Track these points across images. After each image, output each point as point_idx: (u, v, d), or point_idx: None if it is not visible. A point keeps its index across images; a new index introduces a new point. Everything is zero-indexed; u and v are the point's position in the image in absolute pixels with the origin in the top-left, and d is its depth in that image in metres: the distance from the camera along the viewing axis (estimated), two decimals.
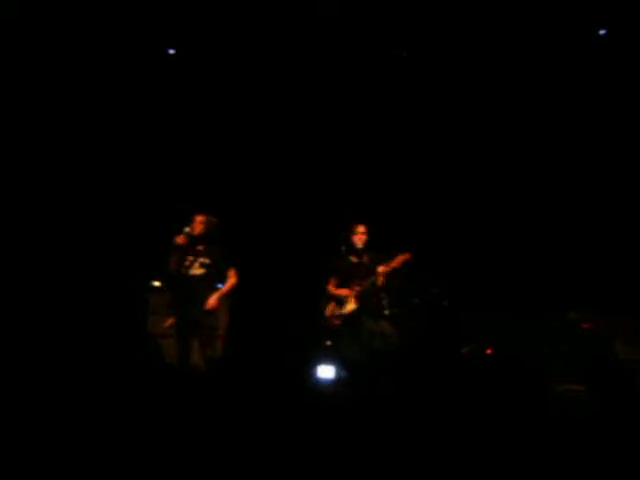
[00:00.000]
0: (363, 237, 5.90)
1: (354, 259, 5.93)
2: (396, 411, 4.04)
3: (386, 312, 5.94)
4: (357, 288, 5.76)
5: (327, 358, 5.61)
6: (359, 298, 5.74)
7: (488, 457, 2.99)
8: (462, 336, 6.29)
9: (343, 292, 5.83)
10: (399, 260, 5.61)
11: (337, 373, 5.51)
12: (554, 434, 3.44)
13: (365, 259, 5.92)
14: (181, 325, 5.53)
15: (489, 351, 6.12)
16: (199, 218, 5.68)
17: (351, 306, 5.78)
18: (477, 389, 5.14)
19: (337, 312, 5.83)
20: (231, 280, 5.65)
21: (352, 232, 5.91)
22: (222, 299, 5.61)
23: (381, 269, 5.66)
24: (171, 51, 7.16)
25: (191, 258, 5.61)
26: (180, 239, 5.57)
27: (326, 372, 5.50)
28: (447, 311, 6.57)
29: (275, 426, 3.41)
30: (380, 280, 5.69)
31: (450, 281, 6.66)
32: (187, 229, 5.59)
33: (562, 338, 5.80)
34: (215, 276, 5.63)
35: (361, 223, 5.93)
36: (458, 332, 6.34)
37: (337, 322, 5.81)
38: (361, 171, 7.33)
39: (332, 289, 5.92)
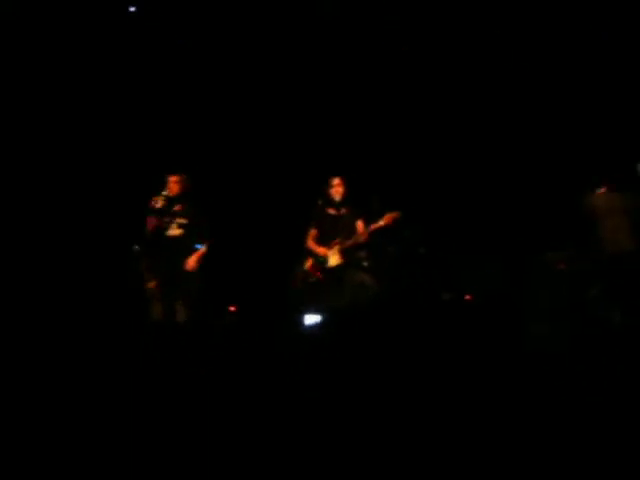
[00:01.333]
0: (340, 189, 5.89)
1: (332, 211, 5.93)
2: (378, 359, 4.08)
3: (365, 264, 6.00)
4: (338, 243, 5.78)
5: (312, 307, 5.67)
6: (342, 254, 5.78)
7: (467, 405, 3.05)
8: (440, 282, 6.37)
9: (322, 251, 5.84)
10: (388, 218, 5.63)
11: (322, 321, 5.59)
12: (530, 374, 3.51)
13: (343, 211, 5.93)
14: (162, 287, 5.53)
15: (468, 297, 6.23)
16: (173, 178, 5.62)
17: (333, 260, 5.81)
18: (457, 335, 5.23)
19: (317, 265, 5.86)
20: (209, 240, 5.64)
21: (329, 185, 5.90)
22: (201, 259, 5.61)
23: (366, 231, 5.68)
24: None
25: (167, 219, 5.58)
26: (156, 200, 5.53)
27: (312, 319, 5.58)
28: (424, 258, 6.64)
29: (265, 374, 3.46)
30: (364, 237, 5.73)
31: (424, 225, 6.69)
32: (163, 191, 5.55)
33: (539, 279, 5.89)
34: (193, 236, 5.62)
35: (337, 175, 5.91)
36: (436, 279, 6.42)
37: (318, 275, 5.85)
38: (338, 122, 7.25)
39: (312, 244, 5.93)
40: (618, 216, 5.42)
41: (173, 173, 5.62)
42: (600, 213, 5.49)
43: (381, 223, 5.65)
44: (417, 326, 5.29)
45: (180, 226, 5.58)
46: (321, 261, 5.84)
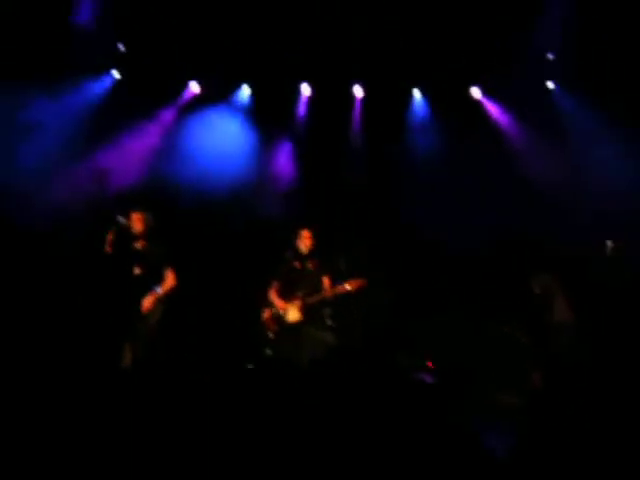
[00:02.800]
0: (308, 242, 5.78)
1: (298, 265, 5.80)
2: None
3: (329, 322, 5.85)
4: (301, 298, 5.63)
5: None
6: (304, 310, 5.62)
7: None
8: (403, 347, 6.22)
9: (282, 305, 5.68)
10: (354, 285, 5.51)
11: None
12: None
13: (309, 265, 5.81)
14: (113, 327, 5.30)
15: (429, 364, 6.07)
16: (136, 215, 5.46)
17: (294, 316, 5.64)
18: (413, 402, 5.08)
19: (276, 317, 5.69)
20: (168, 282, 5.42)
21: (297, 237, 5.79)
22: (157, 301, 5.38)
23: (333, 289, 5.56)
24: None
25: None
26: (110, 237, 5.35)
27: None
28: (388, 322, 6.52)
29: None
30: (329, 296, 5.60)
31: (393, 290, 6.62)
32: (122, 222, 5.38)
33: (499, 349, 5.82)
34: (152, 277, 5.41)
35: (306, 227, 5.82)
36: (399, 343, 6.27)
37: (275, 327, 5.67)
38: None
39: (273, 296, 5.77)
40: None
41: (136, 210, 5.47)
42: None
43: (347, 287, 5.53)
44: (372, 393, 5.14)
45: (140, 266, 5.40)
46: (279, 315, 5.68)
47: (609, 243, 5.75)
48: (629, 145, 6.22)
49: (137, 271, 5.39)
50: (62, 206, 6.41)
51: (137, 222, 5.40)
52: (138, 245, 5.44)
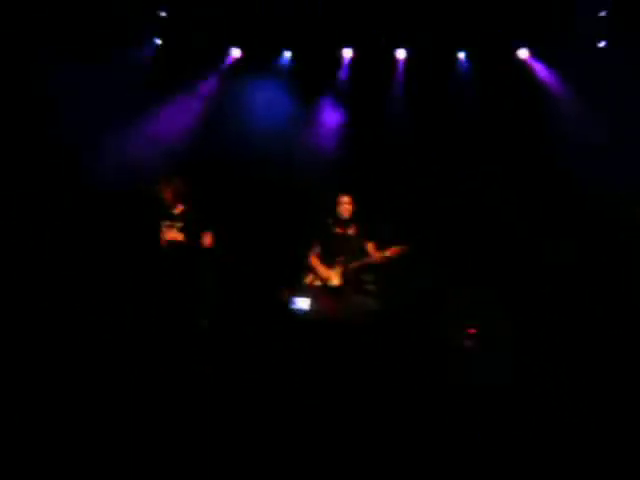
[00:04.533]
0: (348, 207, 5.79)
1: (339, 230, 5.82)
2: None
3: (369, 287, 5.87)
4: (342, 264, 5.66)
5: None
6: (344, 275, 5.65)
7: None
8: (446, 314, 6.20)
9: (325, 272, 5.71)
10: (395, 251, 5.51)
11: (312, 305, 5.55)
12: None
13: (351, 231, 5.82)
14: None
15: (472, 331, 6.04)
16: (164, 183, 5.57)
17: (335, 282, 5.68)
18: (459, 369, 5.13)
19: (318, 284, 5.74)
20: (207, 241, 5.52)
21: (337, 203, 5.80)
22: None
23: (377, 254, 5.58)
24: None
25: (168, 223, 5.55)
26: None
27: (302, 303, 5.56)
28: (431, 289, 6.49)
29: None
30: (372, 262, 5.62)
31: (434, 258, 6.57)
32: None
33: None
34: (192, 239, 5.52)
35: (346, 193, 5.81)
36: (442, 311, 6.25)
37: (317, 291, 5.71)
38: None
39: (314, 261, 5.80)
40: None
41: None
42: None
43: (387, 254, 5.53)
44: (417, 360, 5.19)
45: (179, 230, 5.52)
46: (321, 280, 5.73)
47: None
48: None
49: (179, 237, 5.52)
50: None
51: (166, 190, 5.54)
52: (176, 211, 5.57)
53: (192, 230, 5.53)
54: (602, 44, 6.86)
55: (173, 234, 5.52)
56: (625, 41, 6.50)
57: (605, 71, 6.63)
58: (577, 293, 5.88)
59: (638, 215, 5.69)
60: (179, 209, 5.65)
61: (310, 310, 5.51)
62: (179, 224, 5.56)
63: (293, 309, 5.49)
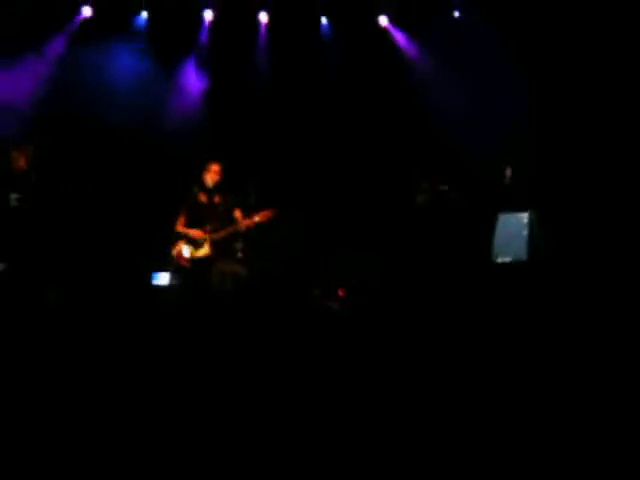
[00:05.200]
0: (215, 177, 5.66)
1: (204, 198, 5.70)
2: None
3: (239, 255, 5.84)
4: (210, 232, 5.56)
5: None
6: (214, 244, 5.57)
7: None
8: (314, 277, 6.30)
9: (196, 234, 5.60)
10: (264, 215, 5.49)
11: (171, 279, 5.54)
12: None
13: (217, 199, 5.72)
14: None
15: (341, 292, 6.19)
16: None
17: (205, 251, 5.58)
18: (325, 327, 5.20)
19: (187, 254, 5.60)
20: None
21: (205, 170, 5.66)
22: None
23: (245, 222, 5.51)
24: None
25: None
26: None
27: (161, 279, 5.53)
28: (299, 253, 6.56)
29: None
30: (242, 230, 5.56)
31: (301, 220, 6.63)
32: None
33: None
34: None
35: (216, 161, 5.68)
36: (310, 273, 6.34)
37: (185, 263, 5.59)
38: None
39: (181, 227, 5.67)
40: None
41: None
42: None
43: (256, 219, 5.51)
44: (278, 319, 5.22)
45: None
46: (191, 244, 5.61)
47: (508, 171, 5.95)
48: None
49: None
50: None
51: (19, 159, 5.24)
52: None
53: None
54: (457, 14, 7.17)
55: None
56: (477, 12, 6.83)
57: (461, 39, 6.92)
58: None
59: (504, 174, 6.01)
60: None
61: (171, 285, 5.42)
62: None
63: (154, 285, 5.36)
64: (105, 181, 6.72)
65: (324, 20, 7.26)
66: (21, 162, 5.30)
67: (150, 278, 5.50)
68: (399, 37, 7.33)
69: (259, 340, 4.39)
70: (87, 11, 6.88)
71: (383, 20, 7.28)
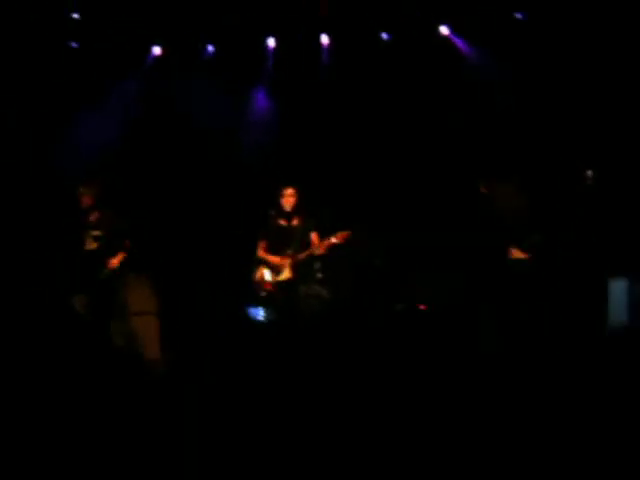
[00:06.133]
0: (291, 200, 5.78)
1: (283, 222, 5.82)
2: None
3: (319, 275, 5.92)
4: (291, 256, 5.68)
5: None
6: (294, 267, 5.68)
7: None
8: (396, 294, 6.29)
9: (275, 260, 5.73)
10: (340, 237, 5.56)
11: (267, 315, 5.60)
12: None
13: (295, 222, 5.83)
14: None
15: (422, 307, 6.17)
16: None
17: (286, 274, 5.71)
18: (410, 343, 5.18)
19: (269, 278, 5.74)
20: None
21: (281, 195, 5.79)
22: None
23: (321, 244, 5.61)
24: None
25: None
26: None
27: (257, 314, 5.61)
28: (379, 270, 6.56)
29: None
30: (318, 252, 5.65)
31: (381, 240, 6.63)
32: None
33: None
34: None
35: (290, 185, 5.80)
36: (391, 290, 6.34)
37: (269, 287, 5.72)
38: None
39: (262, 253, 5.82)
40: None
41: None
42: None
43: (332, 240, 5.59)
44: (369, 336, 5.23)
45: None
46: (271, 274, 5.74)
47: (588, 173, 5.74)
48: None
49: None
50: None
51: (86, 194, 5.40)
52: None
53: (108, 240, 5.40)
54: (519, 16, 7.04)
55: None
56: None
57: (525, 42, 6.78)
58: None
59: None
60: (95, 216, 5.47)
61: (268, 319, 5.52)
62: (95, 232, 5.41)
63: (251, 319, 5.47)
64: (181, 210, 6.96)
65: (384, 35, 7.28)
66: (87, 199, 5.39)
67: (245, 311, 5.60)
68: (461, 45, 7.27)
69: (354, 358, 4.44)
70: (157, 50, 7.18)
71: (444, 30, 7.25)
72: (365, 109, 7.00)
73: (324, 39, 7.26)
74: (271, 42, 7.27)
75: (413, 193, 6.74)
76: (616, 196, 5.66)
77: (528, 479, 2.33)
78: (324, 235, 5.69)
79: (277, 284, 5.69)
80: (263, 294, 5.71)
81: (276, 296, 5.66)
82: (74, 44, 7.06)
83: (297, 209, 5.80)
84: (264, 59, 7.23)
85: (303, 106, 7.10)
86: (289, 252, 5.70)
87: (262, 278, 5.75)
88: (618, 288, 5.33)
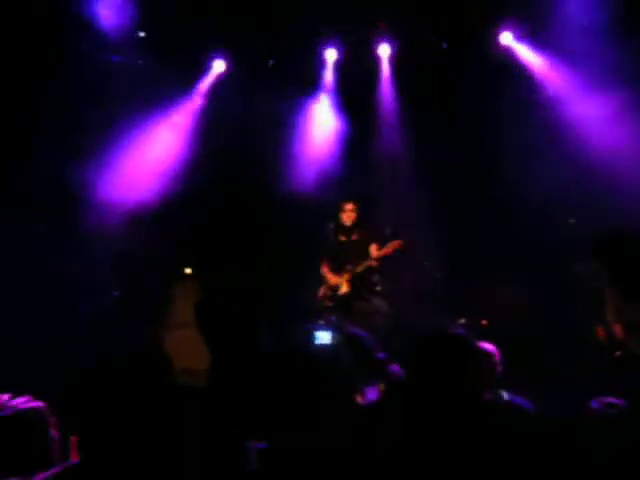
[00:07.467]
0: (352, 215, 5.81)
1: (343, 237, 5.85)
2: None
3: (378, 289, 5.91)
4: (349, 270, 5.70)
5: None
6: (352, 281, 5.71)
7: None
8: (457, 308, 6.21)
9: (334, 279, 5.77)
10: (392, 246, 5.58)
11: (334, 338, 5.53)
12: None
13: (355, 237, 5.85)
14: None
15: (484, 322, 6.08)
16: None
17: (344, 289, 5.74)
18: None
19: (329, 293, 5.78)
20: None
21: (340, 210, 5.82)
22: None
23: (375, 254, 5.62)
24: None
25: None
26: None
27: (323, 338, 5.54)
28: (440, 284, 6.49)
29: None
30: (374, 264, 5.67)
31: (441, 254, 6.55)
32: None
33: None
34: None
35: (349, 201, 5.82)
36: (452, 305, 6.26)
37: (329, 303, 5.76)
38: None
39: (325, 271, 5.88)
40: None
41: None
42: None
43: (384, 252, 5.58)
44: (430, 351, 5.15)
45: None
46: (332, 290, 5.77)
47: None
48: None
49: None
50: None
51: None
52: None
53: None
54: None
55: None
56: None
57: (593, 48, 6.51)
58: None
59: None
60: None
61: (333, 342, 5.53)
62: None
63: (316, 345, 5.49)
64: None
65: (444, 45, 7.18)
66: None
67: (310, 336, 5.64)
68: (525, 52, 7.10)
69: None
70: (220, 66, 7.26)
71: (507, 37, 7.09)
72: (424, 121, 6.91)
73: (384, 50, 7.23)
74: (332, 55, 7.26)
75: (476, 205, 6.61)
76: None
77: None
78: (382, 248, 5.69)
79: (336, 299, 5.73)
80: (325, 312, 5.75)
81: (338, 312, 5.69)
82: (140, 61, 7.22)
83: (357, 223, 5.82)
84: (324, 73, 7.23)
85: (360, 118, 7.07)
86: (349, 267, 5.73)
87: (324, 295, 5.81)
88: None
